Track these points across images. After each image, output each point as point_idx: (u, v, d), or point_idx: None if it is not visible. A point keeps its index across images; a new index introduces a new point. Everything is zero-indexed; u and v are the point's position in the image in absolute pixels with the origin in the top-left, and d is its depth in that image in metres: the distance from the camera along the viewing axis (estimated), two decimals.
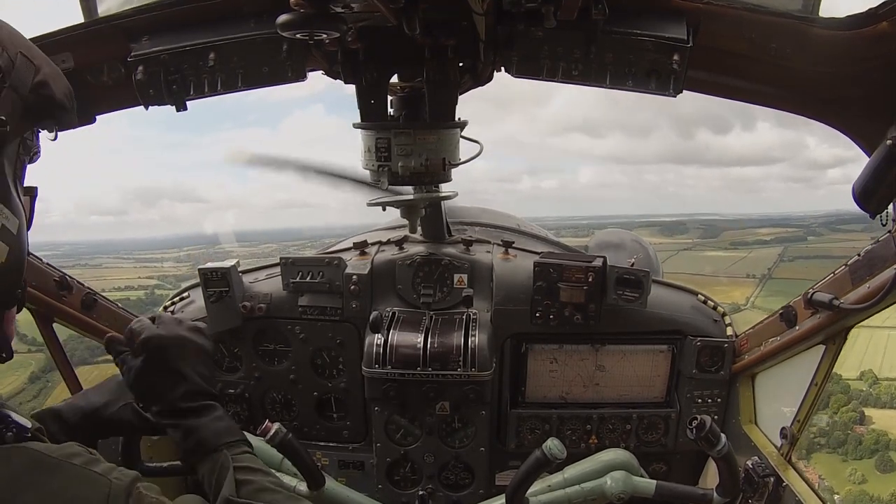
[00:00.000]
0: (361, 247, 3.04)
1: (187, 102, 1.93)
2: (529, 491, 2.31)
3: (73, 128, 1.24)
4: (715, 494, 2.27)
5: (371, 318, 2.35)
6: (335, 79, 2.13)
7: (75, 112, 1.16)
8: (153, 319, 1.46)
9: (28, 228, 1.13)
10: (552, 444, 2.14)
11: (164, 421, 1.37)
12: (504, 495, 2.34)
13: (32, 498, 0.91)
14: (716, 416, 2.87)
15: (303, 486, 2.36)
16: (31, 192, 1.16)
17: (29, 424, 1.05)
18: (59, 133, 1.22)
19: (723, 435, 2.12)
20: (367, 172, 2.24)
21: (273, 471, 1.42)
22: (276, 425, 2.25)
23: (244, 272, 3.03)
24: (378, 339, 2.73)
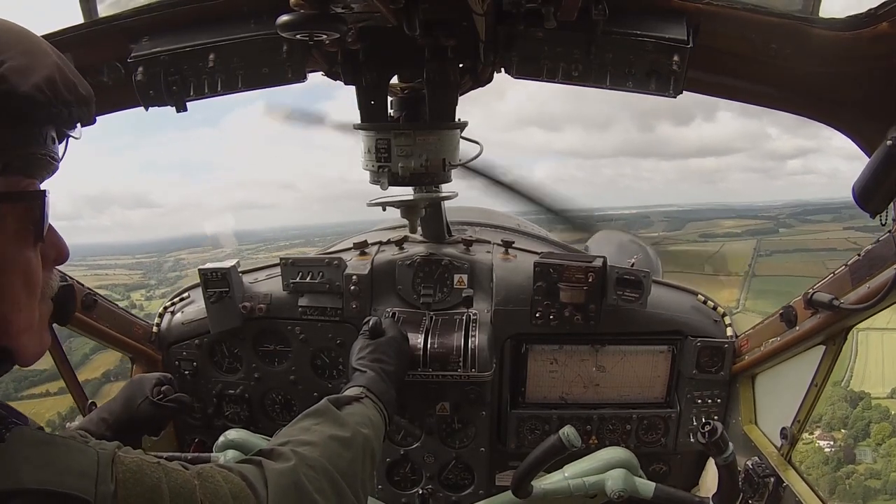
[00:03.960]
0: (361, 247, 3.04)
1: (187, 103, 1.93)
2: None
3: (75, 124, 1.10)
4: (711, 503, 2.27)
5: (371, 323, 2.31)
6: (335, 80, 2.13)
7: (62, 106, 1.04)
8: None
9: (39, 237, 1.07)
10: (570, 432, 2.14)
11: None
12: (510, 483, 2.33)
13: (31, 469, 0.97)
14: (716, 417, 2.87)
15: None
16: (11, 198, 1.03)
17: (29, 421, 1.07)
18: (70, 133, 1.11)
19: (731, 443, 2.12)
20: None
21: None
22: None
23: (244, 272, 3.03)
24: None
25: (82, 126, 1.13)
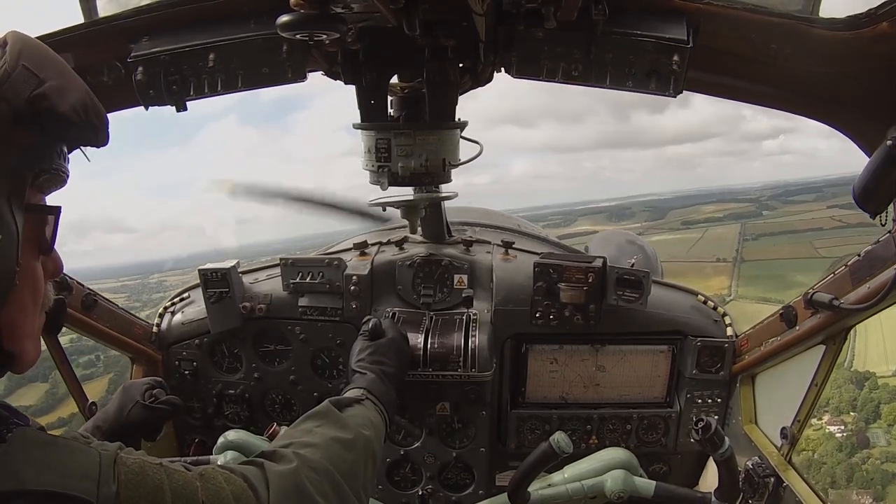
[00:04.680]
0: (361, 247, 3.04)
1: (187, 103, 1.93)
2: (530, 487, 2.31)
3: (93, 144, 1.19)
4: (713, 498, 2.27)
5: (371, 324, 2.31)
6: (335, 79, 2.13)
7: (90, 128, 1.14)
8: None
9: (45, 250, 1.14)
10: (560, 438, 2.14)
11: None
12: (506, 490, 2.33)
13: (33, 470, 0.97)
14: (716, 417, 2.87)
15: None
16: (35, 210, 1.10)
17: (30, 421, 1.09)
18: (85, 152, 1.21)
19: (727, 438, 2.12)
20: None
21: None
22: (283, 428, 2.25)
23: (244, 273, 3.03)
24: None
25: (97, 147, 1.21)
